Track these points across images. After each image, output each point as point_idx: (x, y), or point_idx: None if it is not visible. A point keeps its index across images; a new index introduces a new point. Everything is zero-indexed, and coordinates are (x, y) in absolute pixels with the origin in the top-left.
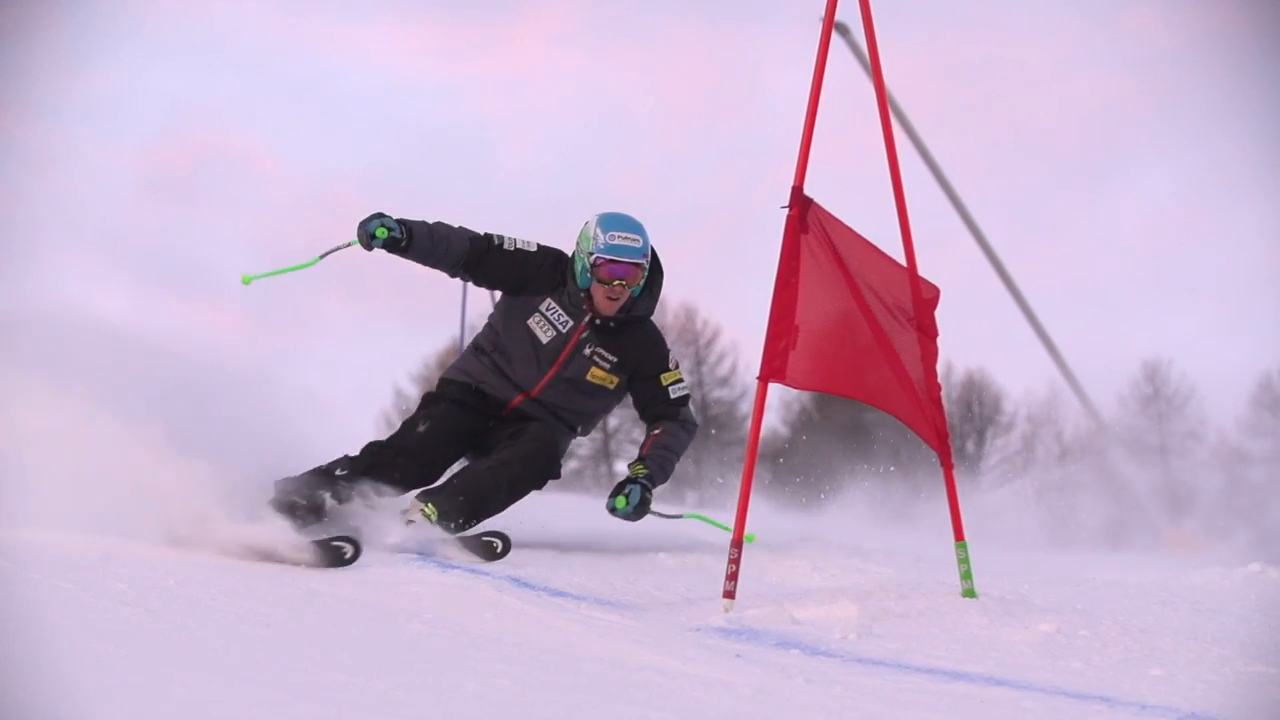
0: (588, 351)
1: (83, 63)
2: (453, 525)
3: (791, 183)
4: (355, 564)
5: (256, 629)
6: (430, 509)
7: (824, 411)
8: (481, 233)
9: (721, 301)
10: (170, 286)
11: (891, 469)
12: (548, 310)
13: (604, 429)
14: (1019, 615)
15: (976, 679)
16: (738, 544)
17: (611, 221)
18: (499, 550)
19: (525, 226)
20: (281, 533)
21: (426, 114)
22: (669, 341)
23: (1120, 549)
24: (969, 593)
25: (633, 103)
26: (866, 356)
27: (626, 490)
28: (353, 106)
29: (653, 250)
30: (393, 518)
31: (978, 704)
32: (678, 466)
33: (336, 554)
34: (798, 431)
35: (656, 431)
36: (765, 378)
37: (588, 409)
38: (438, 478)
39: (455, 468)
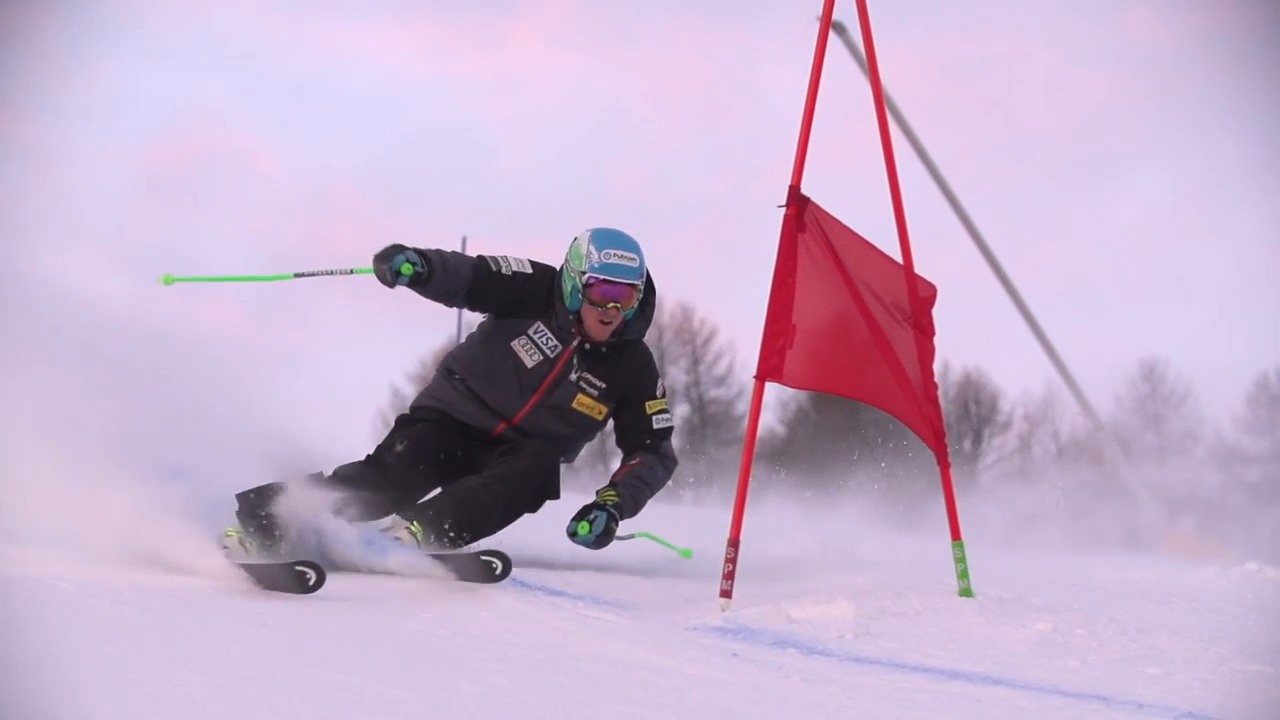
0: (574, 377)
1: (82, 62)
2: (445, 544)
3: (789, 182)
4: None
5: (254, 628)
6: (416, 527)
7: (821, 411)
8: (476, 257)
9: (718, 300)
10: (171, 287)
11: (887, 466)
12: (535, 333)
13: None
14: (1015, 614)
15: (973, 678)
16: (734, 543)
17: (605, 238)
18: (498, 571)
19: (524, 226)
20: (230, 566)
21: (425, 113)
22: (666, 341)
23: (1120, 549)
24: (965, 592)
25: (630, 102)
26: (864, 355)
27: (591, 516)
28: (351, 106)
29: (647, 271)
30: (372, 541)
31: (974, 703)
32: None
33: (300, 579)
34: (794, 431)
35: (634, 462)
36: (762, 377)
37: (572, 436)
38: (414, 501)
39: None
